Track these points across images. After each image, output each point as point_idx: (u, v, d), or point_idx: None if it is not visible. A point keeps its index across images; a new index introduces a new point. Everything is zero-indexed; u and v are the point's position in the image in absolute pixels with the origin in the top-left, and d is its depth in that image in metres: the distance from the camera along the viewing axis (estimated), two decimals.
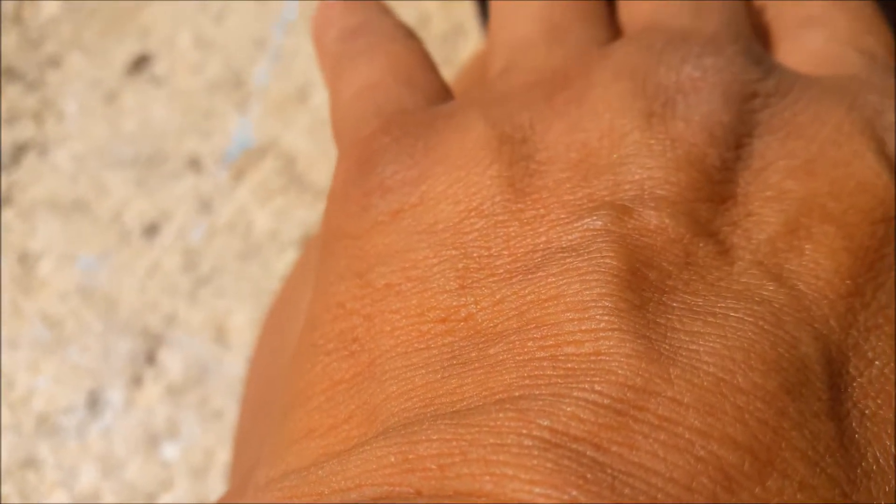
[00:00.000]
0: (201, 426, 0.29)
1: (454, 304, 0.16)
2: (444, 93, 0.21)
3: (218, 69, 0.37)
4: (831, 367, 0.14)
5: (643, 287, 0.15)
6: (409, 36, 0.22)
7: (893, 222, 0.16)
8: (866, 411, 0.14)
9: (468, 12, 0.37)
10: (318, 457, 0.16)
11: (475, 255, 0.16)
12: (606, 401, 0.13)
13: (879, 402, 0.14)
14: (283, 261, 0.33)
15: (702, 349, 0.14)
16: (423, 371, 0.15)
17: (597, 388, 0.13)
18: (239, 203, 0.34)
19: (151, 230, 0.33)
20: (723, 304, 0.15)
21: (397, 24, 0.22)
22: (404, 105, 0.20)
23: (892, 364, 0.15)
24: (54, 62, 0.38)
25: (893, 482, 0.14)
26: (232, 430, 0.29)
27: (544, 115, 0.18)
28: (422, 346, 0.16)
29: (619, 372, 0.13)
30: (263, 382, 0.27)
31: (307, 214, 0.34)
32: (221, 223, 0.33)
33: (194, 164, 0.35)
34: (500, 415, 0.13)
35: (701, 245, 0.16)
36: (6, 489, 0.28)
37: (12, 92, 0.37)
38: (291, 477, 0.15)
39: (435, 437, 0.13)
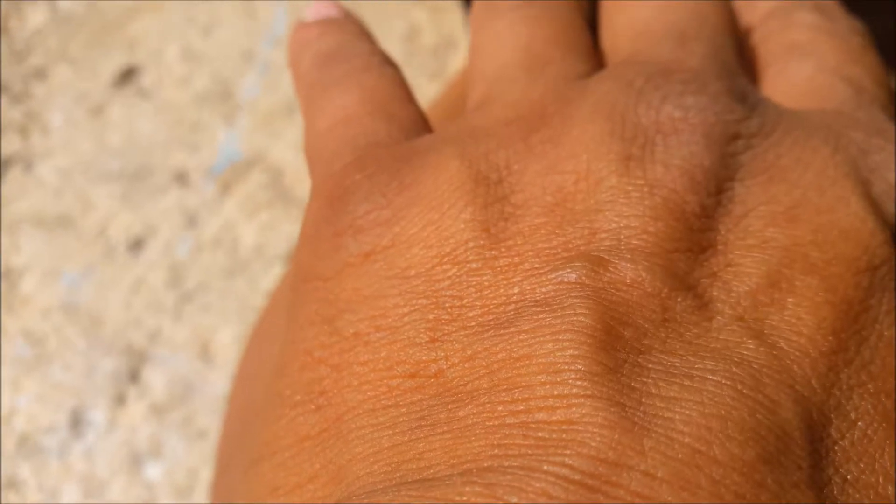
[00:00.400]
0: (185, 445, 0.29)
1: (424, 358, 0.15)
2: (420, 124, 0.20)
3: (205, 82, 0.37)
4: (812, 432, 0.14)
5: (618, 347, 0.14)
6: (385, 63, 0.21)
7: (878, 271, 0.16)
8: (848, 476, 0.14)
9: (458, 25, 0.37)
10: None
11: (447, 304, 0.16)
12: (577, 476, 0.13)
13: (862, 465, 0.14)
14: (270, 276, 0.32)
15: (677, 417, 0.13)
16: (391, 432, 0.15)
17: (567, 461, 0.13)
18: (225, 217, 0.33)
19: (137, 245, 0.33)
20: (700, 366, 0.14)
21: (373, 51, 0.21)
22: (379, 138, 0.19)
23: (875, 424, 0.14)
24: (40, 74, 0.37)
25: None
26: (216, 449, 0.29)
27: (521, 156, 0.18)
28: (390, 404, 0.15)
29: (591, 444, 0.13)
30: (246, 401, 0.26)
31: (294, 229, 0.33)
32: (207, 238, 0.33)
33: (180, 178, 0.34)
34: (466, 489, 0.13)
35: (679, 300, 0.15)
36: None
37: None
38: None
39: None
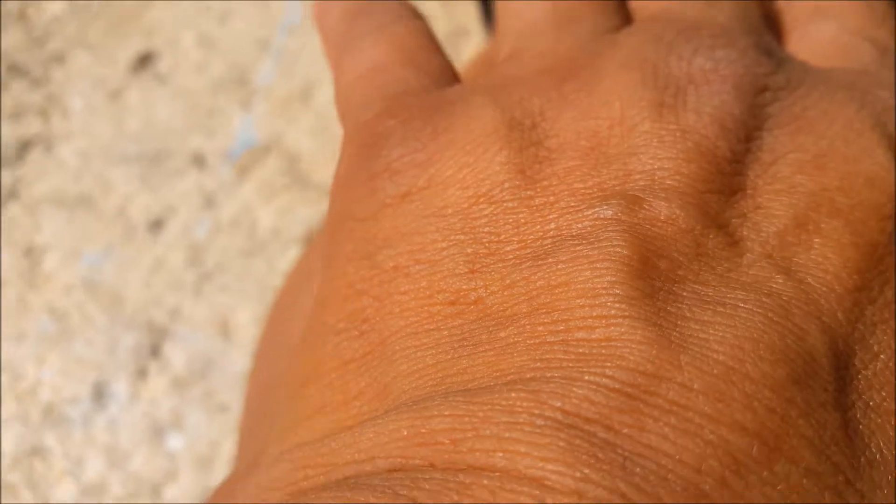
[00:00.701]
0: (206, 419, 0.30)
1: (464, 287, 0.16)
2: (449, 74, 0.21)
3: (222, 68, 0.38)
4: (838, 360, 0.15)
5: (653, 276, 0.15)
6: (414, 16, 0.22)
7: None
8: (871, 403, 0.14)
9: (471, 13, 0.37)
10: (328, 431, 0.16)
11: (485, 240, 0.17)
12: (617, 385, 0.13)
13: (884, 394, 0.15)
14: (287, 258, 0.33)
15: (712, 338, 0.14)
16: (434, 351, 0.15)
17: (608, 372, 0.13)
18: (243, 200, 0.34)
19: (156, 226, 0.34)
20: (732, 295, 0.15)
21: (402, 4, 0.22)
22: (410, 87, 0.20)
23: None
24: (59, 59, 0.38)
25: (895, 471, 0.14)
26: (237, 423, 0.30)
27: (554, 102, 0.18)
28: (431, 327, 0.16)
29: (631, 357, 0.14)
30: (266, 377, 0.27)
31: (311, 213, 0.34)
32: (225, 220, 0.34)
33: (198, 161, 0.35)
34: (513, 394, 0.13)
35: (711, 236, 0.16)
36: (14, 477, 0.28)
37: (17, 88, 0.37)
38: (304, 448, 0.15)
39: (447, 413, 0.13)
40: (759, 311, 0.14)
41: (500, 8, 0.22)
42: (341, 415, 0.16)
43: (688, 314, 0.14)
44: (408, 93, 0.19)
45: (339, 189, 0.19)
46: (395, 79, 0.20)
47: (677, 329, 0.14)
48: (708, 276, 0.15)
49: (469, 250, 0.17)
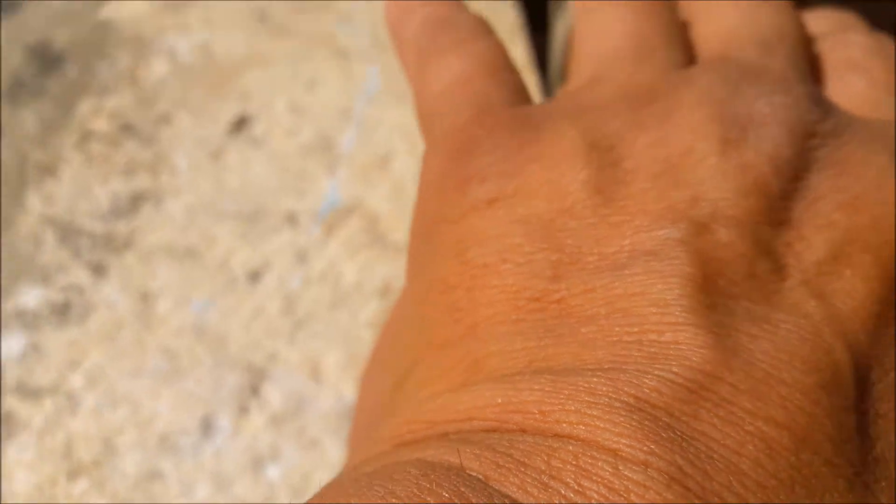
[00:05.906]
0: (299, 452, 0.34)
1: (548, 287, 0.18)
2: (525, 93, 0.23)
3: (310, 134, 0.42)
4: (858, 373, 0.17)
5: (713, 292, 0.17)
6: (491, 33, 0.24)
7: None
8: (880, 411, 0.17)
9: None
10: (427, 397, 0.19)
11: (567, 250, 0.19)
12: (681, 380, 0.16)
13: (891, 405, 0.18)
14: (368, 309, 0.37)
15: (757, 349, 0.16)
16: (521, 337, 0.18)
17: (674, 369, 0.16)
18: (330, 256, 0.39)
19: (255, 277, 0.38)
20: (775, 316, 0.17)
21: (479, 20, 0.25)
22: (494, 100, 0.22)
23: None
24: (166, 120, 0.43)
25: (894, 472, 0.17)
26: (326, 457, 0.34)
27: (630, 126, 0.20)
28: (518, 318, 0.18)
29: (693, 359, 0.16)
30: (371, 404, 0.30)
31: (389, 269, 0.38)
32: (315, 273, 0.38)
33: (291, 220, 0.40)
34: (594, 379, 0.16)
35: (761, 261, 0.18)
36: (137, 496, 0.33)
37: (130, 146, 0.42)
38: (406, 407, 0.18)
39: (536, 388, 0.16)
40: (795, 330, 0.17)
41: (580, 33, 0.25)
42: (438, 387, 0.18)
43: (739, 327, 0.17)
44: (493, 106, 0.22)
45: (431, 192, 0.21)
46: (480, 91, 0.22)
47: (731, 338, 0.16)
48: (757, 295, 0.18)
49: (553, 258, 0.19)
